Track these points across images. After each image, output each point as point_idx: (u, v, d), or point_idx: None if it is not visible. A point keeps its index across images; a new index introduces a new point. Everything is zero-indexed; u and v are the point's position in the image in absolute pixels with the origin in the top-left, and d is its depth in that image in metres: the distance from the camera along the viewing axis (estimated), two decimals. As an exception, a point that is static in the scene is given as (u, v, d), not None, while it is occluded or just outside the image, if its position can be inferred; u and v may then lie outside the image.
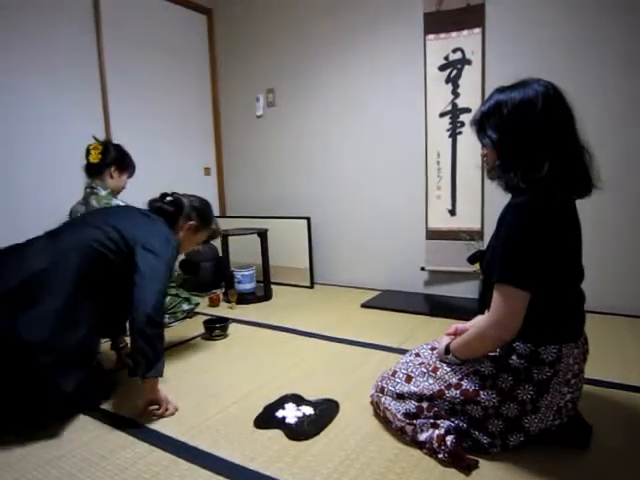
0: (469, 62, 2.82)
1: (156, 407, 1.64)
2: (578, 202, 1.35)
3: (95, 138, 2.45)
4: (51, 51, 2.77)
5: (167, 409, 1.64)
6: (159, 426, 1.58)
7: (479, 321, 1.35)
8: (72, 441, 1.52)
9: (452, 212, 2.98)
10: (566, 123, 1.28)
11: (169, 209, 1.97)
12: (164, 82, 3.47)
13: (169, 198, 2.02)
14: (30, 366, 1.47)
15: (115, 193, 2.47)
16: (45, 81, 2.75)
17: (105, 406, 1.73)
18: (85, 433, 1.56)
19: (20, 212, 2.66)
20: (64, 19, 2.83)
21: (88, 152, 2.41)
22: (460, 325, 1.52)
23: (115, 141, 2.72)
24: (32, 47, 2.69)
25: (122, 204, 2.38)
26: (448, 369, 1.40)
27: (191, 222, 2.01)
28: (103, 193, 2.38)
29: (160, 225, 1.86)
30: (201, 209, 2.07)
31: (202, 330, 2.47)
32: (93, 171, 2.41)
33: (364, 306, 2.93)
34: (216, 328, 2.43)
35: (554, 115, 1.26)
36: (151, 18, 3.36)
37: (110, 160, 2.41)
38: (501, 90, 1.34)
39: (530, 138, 1.26)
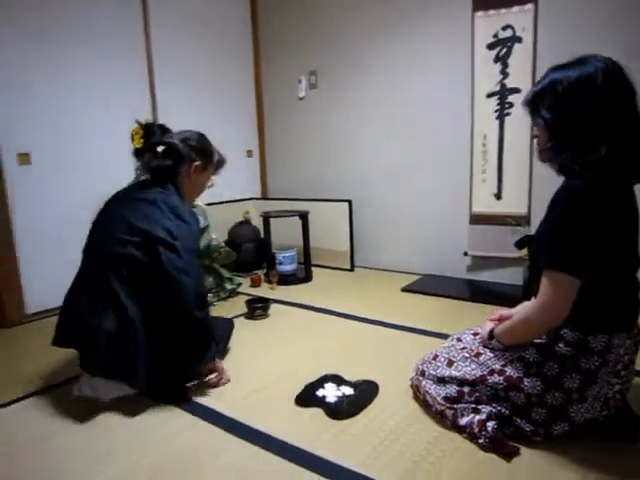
0: (519, 40, 2.70)
1: (213, 376, 1.74)
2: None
3: (138, 122, 2.50)
4: (98, 34, 2.84)
5: (221, 378, 1.74)
6: (204, 400, 1.64)
7: (525, 307, 1.32)
8: (120, 410, 1.60)
9: (498, 196, 2.90)
10: (627, 101, 1.21)
11: (166, 163, 1.76)
12: (207, 63, 3.50)
13: (160, 148, 1.78)
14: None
15: None
16: (93, 65, 2.83)
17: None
18: (133, 404, 1.63)
19: (73, 194, 2.77)
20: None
21: (132, 137, 2.47)
22: (504, 311, 1.49)
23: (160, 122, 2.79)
24: (80, 28, 2.76)
25: None
26: (491, 355, 1.38)
27: (196, 163, 1.81)
28: None
29: (168, 203, 1.69)
30: (200, 145, 1.85)
31: (244, 310, 2.53)
32: (140, 155, 2.48)
33: (405, 290, 2.91)
34: (258, 308, 2.48)
35: (615, 92, 1.19)
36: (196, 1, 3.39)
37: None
38: (556, 68, 1.28)
39: (587, 117, 1.20)
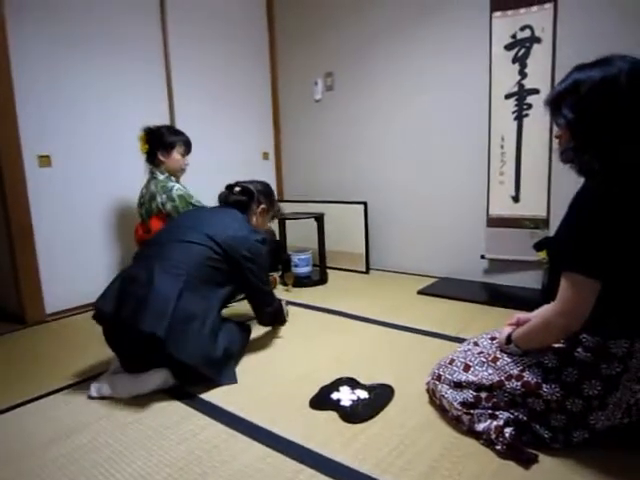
0: (538, 40, 2.67)
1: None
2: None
3: (144, 129, 2.53)
4: (117, 33, 2.88)
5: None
6: (219, 401, 1.65)
7: (544, 310, 1.30)
8: (139, 410, 1.62)
9: (515, 199, 2.86)
10: None
11: (242, 199, 2.15)
12: (223, 66, 3.52)
13: (237, 188, 2.17)
14: None
15: (175, 174, 2.57)
16: (111, 70, 2.87)
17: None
18: (151, 403, 1.65)
19: (90, 197, 2.81)
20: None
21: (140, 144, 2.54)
22: (522, 315, 1.47)
23: (178, 126, 2.82)
24: (101, 33, 2.81)
25: (182, 189, 2.47)
26: (509, 360, 1.36)
27: (262, 206, 2.20)
28: (161, 177, 2.51)
29: (242, 223, 2.05)
30: (267, 192, 2.25)
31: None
32: (148, 160, 2.54)
33: (421, 293, 2.89)
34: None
35: (639, 94, 1.17)
36: (212, 3, 3.42)
37: (155, 147, 2.51)
38: (580, 68, 1.26)
39: (610, 118, 1.18)
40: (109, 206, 2.90)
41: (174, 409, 1.62)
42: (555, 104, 1.27)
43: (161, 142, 2.51)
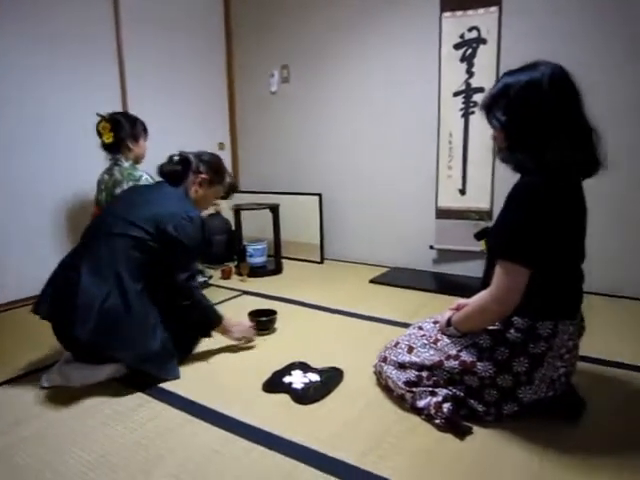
0: (484, 41, 2.80)
1: (239, 338, 1.99)
2: (589, 185, 1.38)
3: (100, 115, 2.49)
4: (68, 22, 2.80)
5: (249, 334, 2.02)
6: (174, 388, 1.68)
7: (480, 296, 1.40)
8: (96, 396, 1.63)
9: (462, 192, 3.01)
10: (572, 103, 1.31)
11: (177, 168, 1.97)
12: (179, 57, 3.48)
13: (176, 157, 2.00)
14: None
15: (138, 161, 2.55)
16: (62, 54, 2.79)
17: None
18: (107, 390, 1.67)
19: (34, 186, 2.74)
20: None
21: (99, 133, 2.47)
22: (462, 301, 1.57)
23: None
24: (47, 19, 2.73)
25: (150, 179, 2.44)
26: (448, 341, 1.47)
27: (202, 175, 1.98)
28: (126, 165, 2.48)
29: (176, 200, 1.88)
30: (210, 161, 2.03)
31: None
32: (112, 149, 2.49)
33: (373, 282, 3.00)
34: (262, 322, 2.18)
35: (560, 96, 1.29)
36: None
37: (122, 135, 2.47)
38: (509, 73, 1.37)
39: (537, 119, 1.30)
40: (62, 195, 2.83)
41: (129, 397, 1.64)
42: (488, 108, 1.38)
43: (133, 130, 2.50)
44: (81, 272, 1.67)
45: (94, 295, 1.64)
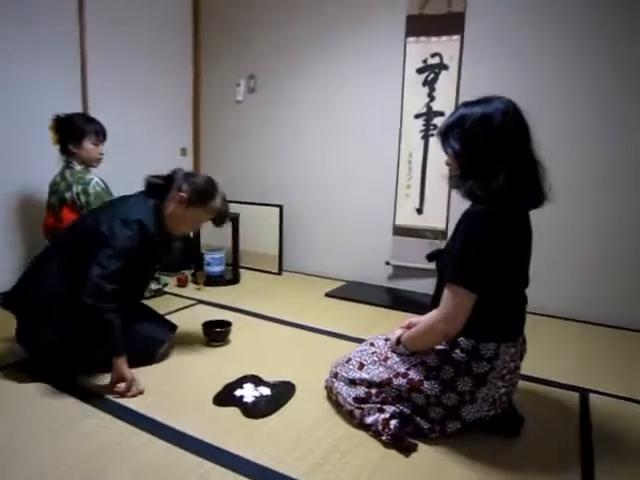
0: (446, 67, 2.91)
1: (122, 385, 1.68)
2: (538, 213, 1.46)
3: (56, 116, 2.42)
4: (33, 21, 2.73)
5: (130, 390, 1.67)
6: (122, 399, 1.65)
7: (428, 316, 1.46)
8: (38, 408, 1.58)
9: (419, 211, 3.10)
10: (522, 139, 1.39)
11: (158, 182, 1.93)
12: (144, 61, 3.43)
13: (167, 173, 1.95)
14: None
15: (90, 165, 2.46)
16: (22, 53, 2.71)
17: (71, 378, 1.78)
18: (48, 401, 1.62)
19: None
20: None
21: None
22: (414, 319, 1.62)
23: (92, 115, 2.71)
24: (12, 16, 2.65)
25: (100, 184, 2.38)
26: (398, 359, 1.51)
27: (182, 194, 1.87)
28: (78, 167, 2.41)
29: (130, 205, 1.85)
30: (196, 182, 1.91)
31: (168, 310, 2.53)
32: (61, 151, 2.42)
33: (328, 295, 3.03)
34: (216, 333, 2.17)
35: (510, 131, 1.36)
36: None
37: (65, 137, 2.40)
38: (466, 105, 1.44)
39: (487, 150, 1.37)
40: (11, 196, 2.73)
41: (74, 407, 1.59)
42: (444, 135, 1.44)
43: (70, 132, 2.39)
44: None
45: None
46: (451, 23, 2.86)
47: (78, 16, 2.96)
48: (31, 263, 1.91)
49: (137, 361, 1.85)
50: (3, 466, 1.29)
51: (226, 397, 1.67)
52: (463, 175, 1.42)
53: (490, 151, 1.35)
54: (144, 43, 3.42)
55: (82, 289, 1.66)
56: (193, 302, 2.78)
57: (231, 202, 3.57)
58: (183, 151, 3.89)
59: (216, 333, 2.15)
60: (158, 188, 1.91)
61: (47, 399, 1.63)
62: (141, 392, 1.69)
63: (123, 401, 1.63)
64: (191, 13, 3.81)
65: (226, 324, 2.21)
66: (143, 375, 1.81)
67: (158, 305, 2.64)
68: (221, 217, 2.02)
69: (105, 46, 3.13)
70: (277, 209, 3.47)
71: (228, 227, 3.26)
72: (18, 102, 2.71)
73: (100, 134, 2.48)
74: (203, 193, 1.92)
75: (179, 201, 1.88)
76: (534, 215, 1.48)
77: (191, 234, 3.32)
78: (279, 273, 3.53)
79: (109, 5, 3.14)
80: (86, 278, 1.67)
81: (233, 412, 1.59)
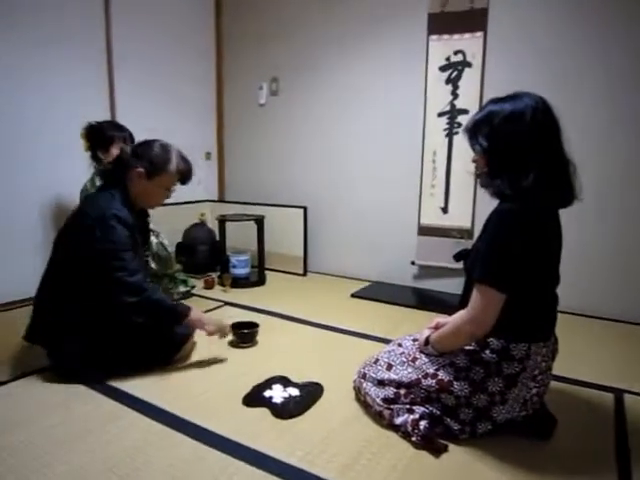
0: (469, 65, 2.88)
1: (212, 329, 1.91)
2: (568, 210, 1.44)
3: (88, 123, 2.49)
4: (59, 27, 2.81)
5: (223, 330, 1.97)
6: (152, 399, 1.68)
7: (456, 317, 1.44)
8: (74, 409, 1.62)
9: (444, 210, 3.07)
10: (552, 136, 1.36)
11: (109, 168, 1.91)
12: (168, 66, 3.50)
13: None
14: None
15: None
16: (52, 58, 2.79)
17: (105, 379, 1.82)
18: (82, 402, 1.66)
19: (23, 191, 2.73)
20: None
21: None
22: (441, 319, 1.61)
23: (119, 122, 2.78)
24: (40, 22, 2.73)
25: None
26: (426, 360, 1.50)
27: (138, 169, 1.84)
28: None
29: (99, 204, 1.81)
30: (148, 153, 1.87)
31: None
32: (92, 157, 2.49)
33: (354, 296, 3.03)
34: (244, 334, 2.20)
35: (541, 128, 1.34)
36: (160, 2, 3.40)
37: (95, 144, 2.46)
38: (494, 101, 1.42)
39: (517, 148, 1.35)
40: (42, 202, 2.81)
41: (108, 407, 1.63)
42: (472, 132, 1.43)
43: (100, 139, 2.46)
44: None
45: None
46: (474, 20, 2.83)
47: (105, 20, 3.04)
48: (40, 286, 1.87)
49: (163, 358, 1.91)
50: (42, 464, 1.33)
51: (255, 398, 1.69)
52: (491, 173, 1.41)
53: (519, 149, 1.33)
54: (167, 47, 3.50)
55: (113, 297, 1.73)
56: (220, 304, 2.82)
57: (256, 204, 3.66)
58: (207, 155, 3.95)
59: (244, 335, 2.18)
60: (114, 175, 1.89)
61: (81, 400, 1.68)
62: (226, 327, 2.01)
63: (155, 402, 1.66)
64: (213, 12, 3.86)
65: (254, 325, 2.23)
66: (173, 377, 1.85)
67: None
68: (185, 175, 1.98)
69: (129, 54, 3.20)
70: (301, 210, 3.49)
71: (253, 229, 3.30)
72: (48, 110, 2.79)
73: (128, 140, 2.52)
74: (158, 160, 1.88)
75: (139, 176, 1.86)
76: (564, 212, 1.46)
77: (217, 237, 3.36)
78: (304, 274, 3.54)
79: (134, 10, 3.21)
80: (104, 288, 1.74)
81: (262, 413, 1.61)
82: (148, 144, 1.90)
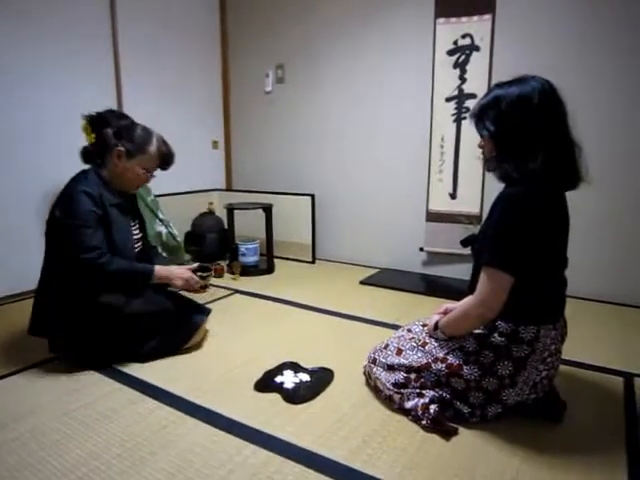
0: (477, 48, 2.85)
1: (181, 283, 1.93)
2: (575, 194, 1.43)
3: (85, 116, 2.47)
4: (65, 19, 2.81)
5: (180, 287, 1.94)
6: (166, 385, 1.71)
7: (464, 302, 1.45)
8: (87, 395, 1.65)
9: (453, 196, 3.06)
10: (559, 119, 1.36)
11: (91, 148, 1.89)
12: (174, 55, 3.50)
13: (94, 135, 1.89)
14: None
15: None
16: (59, 51, 2.80)
17: (117, 365, 1.86)
18: (97, 388, 1.69)
19: (24, 183, 2.75)
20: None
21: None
22: (450, 305, 1.62)
23: (125, 112, 2.78)
24: (47, 16, 2.73)
25: None
26: (436, 344, 1.51)
27: (118, 149, 1.84)
28: None
29: (70, 184, 1.83)
30: (129, 133, 1.87)
31: (205, 300, 2.60)
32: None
33: (363, 283, 3.04)
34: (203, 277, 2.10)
35: (548, 111, 1.33)
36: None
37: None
38: (500, 85, 1.41)
39: (525, 131, 1.34)
40: (47, 197, 2.83)
41: (121, 393, 1.66)
42: (478, 117, 1.42)
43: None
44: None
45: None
46: (482, 2, 2.78)
47: (110, 13, 3.04)
48: (39, 282, 1.89)
49: (175, 344, 1.95)
50: (59, 447, 1.36)
51: (267, 383, 1.71)
52: (499, 157, 1.40)
53: (527, 132, 1.33)
54: (172, 37, 3.48)
55: (77, 279, 1.76)
56: (230, 292, 2.84)
57: (264, 192, 3.66)
58: (215, 144, 3.95)
59: (204, 277, 2.06)
60: (93, 154, 1.89)
61: (96, 386, 1.71)
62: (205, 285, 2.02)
63: (168, 388, 1.69)
64: (218, 7, 3.85)
65: (207, 269, 2.12)
66: (185, 364, 1.88)
67: (196, 295, 2.72)
68: (166, 159, 1.98)
69: (135, 44, 3.20)
70: (309, 198, 3.49)
71: (261, 218, 3.31)
72: (51, 104, 2.80)
73: None
74: (140, 140, 1.88)
75: (118, 156, 1.85)
76: (573, 196, 1.45)
77: (225, 225, 3.37)
78: (313, 262, 3.55)
79: (139, 3, 3.20)
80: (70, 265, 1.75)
81: (274, 398, 1.63)
82: (130, 126, 1.89)
